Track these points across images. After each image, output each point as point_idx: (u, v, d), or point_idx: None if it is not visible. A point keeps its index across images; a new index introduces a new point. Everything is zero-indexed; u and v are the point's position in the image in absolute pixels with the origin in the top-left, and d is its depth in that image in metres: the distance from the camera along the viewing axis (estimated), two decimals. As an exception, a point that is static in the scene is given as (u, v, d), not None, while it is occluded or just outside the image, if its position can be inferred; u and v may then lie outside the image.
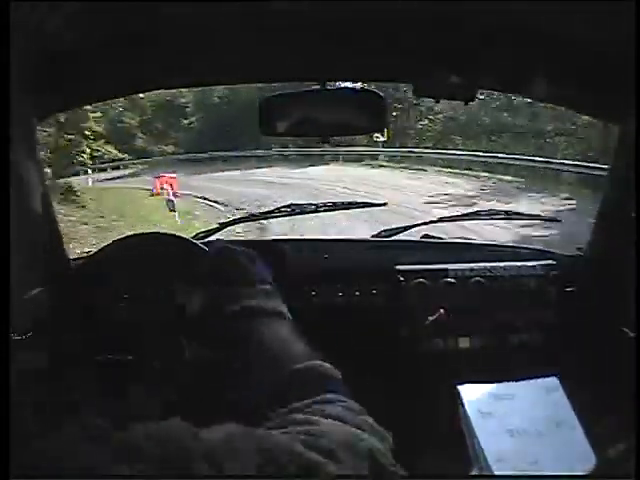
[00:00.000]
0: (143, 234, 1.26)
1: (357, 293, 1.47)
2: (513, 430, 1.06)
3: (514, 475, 0.99)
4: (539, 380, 1.16)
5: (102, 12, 0.76)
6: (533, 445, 1.04)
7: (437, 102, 1.07)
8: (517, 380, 1.16)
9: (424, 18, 0.85)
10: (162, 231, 1.22)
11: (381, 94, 1.15)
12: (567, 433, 1.06)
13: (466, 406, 1.10)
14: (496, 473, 0.99)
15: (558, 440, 1.05)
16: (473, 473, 1.01)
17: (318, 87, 1.11)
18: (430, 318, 1.41)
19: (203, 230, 1.62)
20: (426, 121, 18.64)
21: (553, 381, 1.16)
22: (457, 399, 1.09)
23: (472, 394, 1.13)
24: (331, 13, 0.85)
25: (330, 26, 0.90)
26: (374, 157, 16.55)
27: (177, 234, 1.27)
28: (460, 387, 1.12)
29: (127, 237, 1.27)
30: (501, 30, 0.87)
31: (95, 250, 1.32)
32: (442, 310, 1.42)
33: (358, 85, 1.67)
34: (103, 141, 18.26)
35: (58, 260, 1.28)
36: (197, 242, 1.25)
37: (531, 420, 1.08)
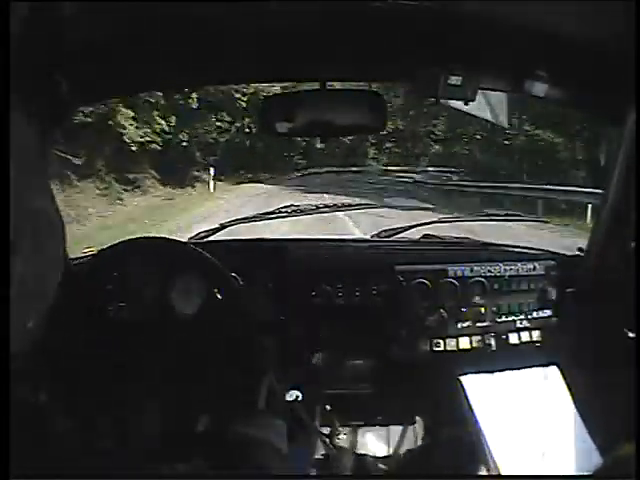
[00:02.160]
0: (140, 238, 1.26)
1: (357, 293, 1.47)
2: (517, 422, 1.06)
3: (515, 475, 1.00)
4: (539, 369, 1.16)
5: (102, 12, 0.76)
6: (537, 437, 1.04)
7: (437, 102, 1.07)
8: (518, 369, 1.15)
9: (424, 18, 0.85)
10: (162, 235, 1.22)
11: (380, 94, 1.15)
12: (570, 426, 1.06)
13: (469, 397, 1.10)
14: (500, 466, 0.99)
15: (562, 434, 1.05)
16: (480, 471, 1.01)
17: (318, 87, 1.11)
18: (430, 318, 1.42)
19: (204, 230, 1.63)
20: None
21: (552, 370, 1.16)
22: (460, 391, 1.09)
23: (475, 386, 1.13)
24: (331, 13, 0.85)
25: (330, 26, 0.90)
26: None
27: (172, 237, 1.27)
28: (463, 377, 1.12)
29: (128, 240, 1.27)
30: (501, 30, 0.87)
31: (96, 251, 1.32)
32: (442, 310, 1.42)
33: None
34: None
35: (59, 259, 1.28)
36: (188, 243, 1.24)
37: (534, 412, 1.09)
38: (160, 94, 11.09)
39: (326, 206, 1.82)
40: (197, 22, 0.85)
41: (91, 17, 0.78)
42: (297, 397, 1.33)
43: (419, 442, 1.44)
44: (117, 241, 1.27)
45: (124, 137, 11.68)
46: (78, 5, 0.73)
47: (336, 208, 1.85)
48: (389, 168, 20.78)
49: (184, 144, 14.28)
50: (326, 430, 1.40)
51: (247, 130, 17.85)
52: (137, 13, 0.80)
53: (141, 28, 0.86)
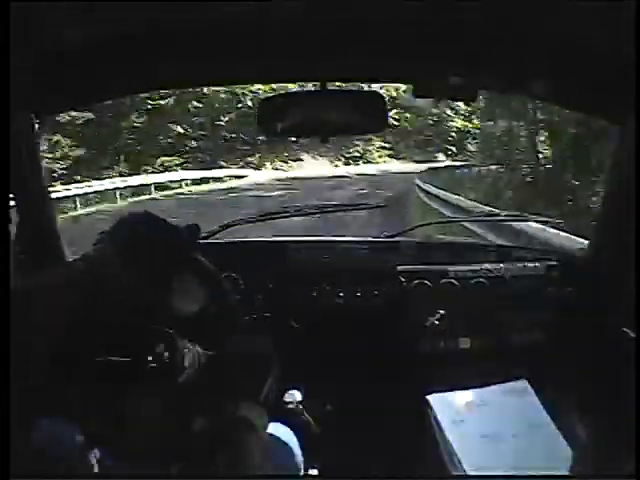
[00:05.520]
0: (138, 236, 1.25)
1: (357, 293, 1.47)
2: (487, 435, 1.06)
3: (516, 475, 0.99)
4: (509, 384, 1.16)
5: (102, 12, 0.76)
6: (508, 447, 1.04)
7: (437, 102, 1.07)
8: (502, 380, 1.16)
9: (424, 18, 0.85)
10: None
11: (381, 94, 1.15)
12: (541, 434, 1.06)
13: (438, 416, 1.10)
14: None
15: (532, 441, 1.05)
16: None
17: (318, 87, 1.11)
18: (430, 319, 1.42)
19: (205, 231, 1.63)
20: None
21: (523, 384, 1.16)
22: (428, 411, 1.09)
23: (443, 404, 1.13)
24: (331, 13, 0.85)
25: (330, 26, 0.90)
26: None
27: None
28: (430, 397, 1.12)
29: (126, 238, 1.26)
30: (501, 30, 0.87)
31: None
32: (442, 311, 1.42)
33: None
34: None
35: (57, 260, 1.28)
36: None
37: (504, 423, 1.08)
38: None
39: (326, 206, 1.83)
40: (196, 22, 0.85)
41: (91, 17, 0.78)
42: (295, 397, 1.33)
43: (419, 441, 1.44)
44: (115, 239, 1.26)
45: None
46: (78, 5, 0.73)
47: (336, 209, 1.86)
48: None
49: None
50: (325, 430, 1.40)
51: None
52: (137, 14, 0.80)
53: (140, 28, 0.86)
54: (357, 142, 25.47)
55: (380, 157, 27.25)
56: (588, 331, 1.32)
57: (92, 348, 0.87)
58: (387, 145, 26.83)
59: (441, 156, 29.10)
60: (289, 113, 1.11)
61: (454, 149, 29.43)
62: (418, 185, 10.29)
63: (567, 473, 0.89)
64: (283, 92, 1.18)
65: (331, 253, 1.56)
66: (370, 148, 26.76)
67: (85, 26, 0.80)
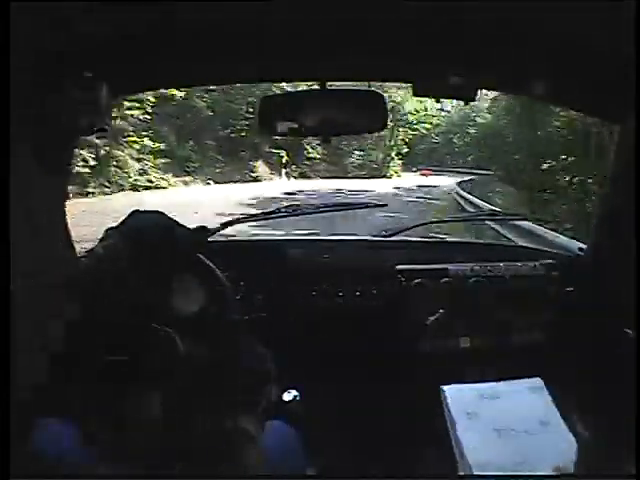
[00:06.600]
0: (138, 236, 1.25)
1: (357, 293, 1.47)
2: (500, 430, 1.06)
3: (515, 475, 0.99)
4: (524, 380, 1.16)
5: (102, 12, 0.76)
6: (520, 444, 1.04)
7: (437, 102, 1.07)
8: (503, 380, 1.16)
9: (424, 18, 0.85)
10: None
11: (381, 94, 1.15)
12: (553, 432, 1.06)
13: (451, 408, 1.10)
14: (483, 473, 0.99)
15: (544, 439, 1.05)
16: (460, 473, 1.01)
17: (318, 87, 1.11)
18: (430, 318, 1.42)
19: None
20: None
21: (538, 381, 1.16)
22: (441, 401, 1.09)
23: (457, 395, 1.13)
24: (331, 13, 0.85)
25: (330, 26, 0.90)
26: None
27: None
28: (445, 388, 1.12)
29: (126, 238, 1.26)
30: (501, 30, 0.87)
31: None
32: (442, 310, 1.42)
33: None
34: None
35: (65, 259, 1.28)
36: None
37: (517, 420, 1.09)
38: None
39: (326, 206, 1.83)
40: (196, 22, 0.85)
41: (92, 17, 0.78)
42: (295, 397, 1.33)
43: (414, 441, 1.44)
44: (126, 236, 1.26)
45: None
46: (78, 5, 0.73)
47: (337, 208, 1.86)
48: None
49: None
50: (325, 430, 1.40)
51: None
52: (138, 14, 0.80)
53: (141, 27, 0.86)
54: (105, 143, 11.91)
55: (163, 180, 13.26)
56: (588, 331, 1.32)
57: (92, 348, 0.87)
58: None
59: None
60: (289, 113, 1.11)
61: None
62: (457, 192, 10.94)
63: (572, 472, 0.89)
64: (283, 92, 1.18)
65: (331, 253, 1.56)
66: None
67: (85, 26, 0.80)
